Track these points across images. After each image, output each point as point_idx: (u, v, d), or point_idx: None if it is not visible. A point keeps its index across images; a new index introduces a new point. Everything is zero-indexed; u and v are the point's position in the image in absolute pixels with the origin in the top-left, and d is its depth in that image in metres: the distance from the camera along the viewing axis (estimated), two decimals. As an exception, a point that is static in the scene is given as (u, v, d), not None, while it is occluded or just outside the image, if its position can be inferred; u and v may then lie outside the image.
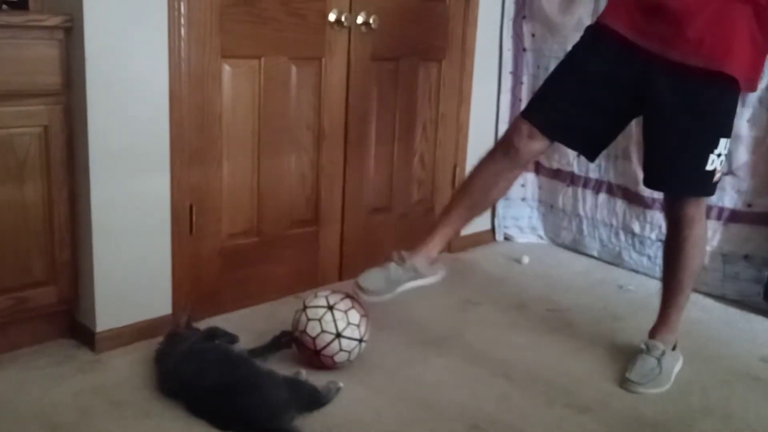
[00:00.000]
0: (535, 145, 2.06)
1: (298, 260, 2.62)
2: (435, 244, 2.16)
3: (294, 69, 2.45)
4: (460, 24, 2.97)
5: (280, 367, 1.98)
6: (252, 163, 2.41)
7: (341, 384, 1.95)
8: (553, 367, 2.19)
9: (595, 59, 2.01)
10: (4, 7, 1.98)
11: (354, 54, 2.60)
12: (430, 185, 3.06)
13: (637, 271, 3.06)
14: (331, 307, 2.02)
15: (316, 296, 2.08)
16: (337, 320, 2.01)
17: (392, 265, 2.11)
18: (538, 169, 3.32)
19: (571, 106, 2.03)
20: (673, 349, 2.21)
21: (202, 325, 2.18)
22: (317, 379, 1.94)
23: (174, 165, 2.17)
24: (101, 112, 2.00)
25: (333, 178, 2.66)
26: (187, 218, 2.25)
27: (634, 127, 2.94)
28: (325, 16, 2.47)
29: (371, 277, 2.09)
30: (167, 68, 2.10)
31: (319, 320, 2.01)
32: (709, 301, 2.80)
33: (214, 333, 2.02)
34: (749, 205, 2.75)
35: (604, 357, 2.29)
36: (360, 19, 2.55)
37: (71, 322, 2.18)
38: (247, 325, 2.32)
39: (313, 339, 2.01)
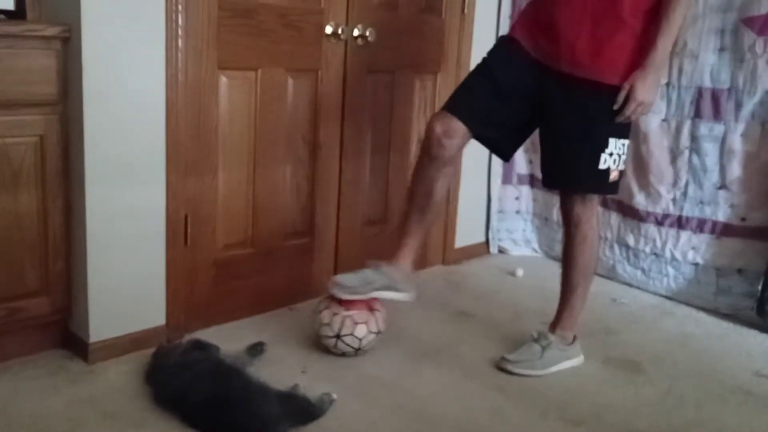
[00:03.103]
0: (454, 140, 2.17)
1: (292, 272, 2.62)
2: (404, 257, 2.27)
3: (290, 81, 2.46)
4: (455, 38, 2.99)
5: (280, 375, 1.98)
6: (247, 174, 2.41)
7: (335, 396, 1.94)
8: (546, 380, 2.19)
9: (503, 69, 2.17)
10: (1, 16, 1.98)
11: (350, 66, 2.61)
12: (425, 197, 3.06)
13: (630, 285, 3.06)
14: (338, 337, 2.20)
15: (326, 324, 2.21)
16: (346, 345, 2.21)
17: (367, 270, 2.25)
18: (533, 181, 3.33)
19: (484, 99, 2.17)
20: (571, 344, 2.29)
21: (196, 336, 2.18)
22: (311, 391, 1.93)
23: (170, 176, 2.17)
24: (97, 122, 2.00)
25: (328, 190, 2.67)
26: (182, 229, 2.24)
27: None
28: (322, 28, 2.49)
29: (347, 277, 2.24)
30: (164, 79, 2.10)
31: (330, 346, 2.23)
32: (702, 315, 2.81)
33: (197, 345, 2.03)
34: (743, 219, 2.76)
35: (597, 370, 2.29)
36: (356, 32, 2.57)
37: (64, 333, 2.17)
38: (241, 337, 2.32)
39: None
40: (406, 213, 2.29)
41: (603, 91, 2.04)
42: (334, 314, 2.19)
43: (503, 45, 2.23)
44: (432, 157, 2.19)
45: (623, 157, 2.15)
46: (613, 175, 2.14)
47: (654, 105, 2.02)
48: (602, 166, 2.10)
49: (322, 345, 2.25)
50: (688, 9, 2.02)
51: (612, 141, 2.10)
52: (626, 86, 2.02)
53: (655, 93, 2.04)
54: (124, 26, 2.00)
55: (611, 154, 2.11)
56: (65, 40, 1.96)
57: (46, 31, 1.93)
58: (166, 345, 2.10)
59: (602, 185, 2.16)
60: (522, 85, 2.15)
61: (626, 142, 2.15)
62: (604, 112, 2.07)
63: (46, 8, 2.04)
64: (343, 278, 2.23)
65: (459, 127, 2.15)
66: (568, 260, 2.26)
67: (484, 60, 2.23)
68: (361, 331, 2.19)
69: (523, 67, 2.14)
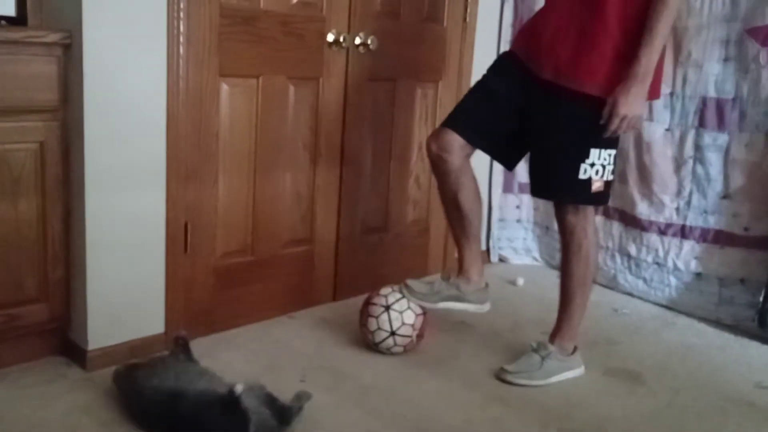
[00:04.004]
0: (453, 154, 2.20)
1: (292, 280, 2.61)
2: (469, 267, 2.32)
3: (292, 88, 2.45)
4: (457, 46, 2.99)
5: (279, 384, 1.96)
6: (248, 181, 2.40)
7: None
8: (547, 391, 2.18)
9: (499, 80, 2.20)
10: (3, 22, 1.98)
11: (351, 74, 2.61)
12: (426, 206, 3.06)
13: (632, 295, 3.05)
14: (387, 307, 2.26)
15: (377, 294, 2.32)
16: (393, 320, 2.26)
17: (437, 279, 2.34)
18: (534, 190, 3.32)
19: (479, 110, 2.21)
20: (572, 354, 2.28)
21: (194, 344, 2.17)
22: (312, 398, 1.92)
23: (170, 183, 2.17)
24: (98, 129, 1.99)
25: (328, 198, 2.66)
26: (182, 236, 2.24)
27: (631, 151, 2.96)
28: (324, 36, 2.49)
29: (418, 283, 2.33)
30: (165, 86, 2.10)
31: (377, 318, 2.27)
32: (703, 326, 2.79)
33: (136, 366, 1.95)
34: (746, 229, 2.75)
35: (598, 381, 2.28)
36: (358, 40, 2.57)
37: (63, 340, 2.16)
38: (240, 345, 2.31)
39: (371, 333, 2.29)
40: (450, 229, 2.40)
41: (583, 100, 2.01)
42: (418, 315, 2.29)
43: (502, 57, 2.25)
44: (440, 173, 2.26)
45: (610, 168, 2.11)
46: (596, 186, 2.10)
47: (642, 119, 1.97)
48: (582, 176, 2.08)
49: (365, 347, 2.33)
50: (673, 20, 1.97)
51: (594, 152, 2.07)
52: (610, 100, 1.99)
53: (641, 106, 1.98)
54: (126, 33, 2.00)
55: (593, 165, 2.07)
56: (66, 46, 1.96)
57: (47, 37, 1.93)
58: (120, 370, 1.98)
59: (583, 195, 2.12)
60: (516, 95, 2.15)
61: (613, 152, 2.11)
62: (584, 122, 2.05)
63: (47, 15, 2.04)
64: (414, 284, 2.31)
65: (454, 139, 2.18)
66: (565, 270, 2.25)
67: (484, 74, 2.25)
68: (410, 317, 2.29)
69: (516, 79, 2.14)
